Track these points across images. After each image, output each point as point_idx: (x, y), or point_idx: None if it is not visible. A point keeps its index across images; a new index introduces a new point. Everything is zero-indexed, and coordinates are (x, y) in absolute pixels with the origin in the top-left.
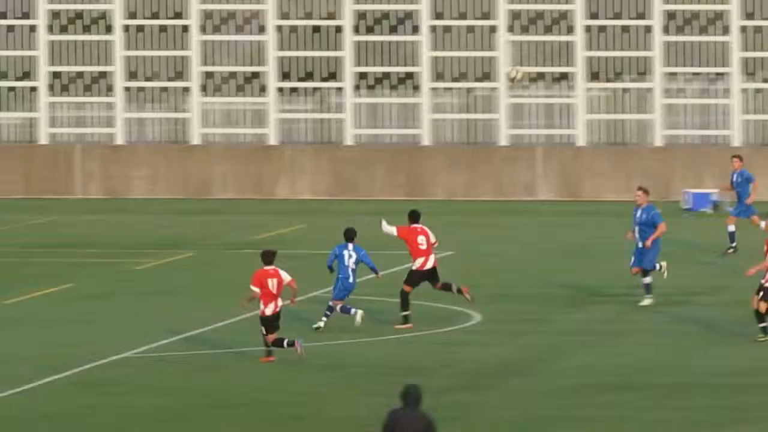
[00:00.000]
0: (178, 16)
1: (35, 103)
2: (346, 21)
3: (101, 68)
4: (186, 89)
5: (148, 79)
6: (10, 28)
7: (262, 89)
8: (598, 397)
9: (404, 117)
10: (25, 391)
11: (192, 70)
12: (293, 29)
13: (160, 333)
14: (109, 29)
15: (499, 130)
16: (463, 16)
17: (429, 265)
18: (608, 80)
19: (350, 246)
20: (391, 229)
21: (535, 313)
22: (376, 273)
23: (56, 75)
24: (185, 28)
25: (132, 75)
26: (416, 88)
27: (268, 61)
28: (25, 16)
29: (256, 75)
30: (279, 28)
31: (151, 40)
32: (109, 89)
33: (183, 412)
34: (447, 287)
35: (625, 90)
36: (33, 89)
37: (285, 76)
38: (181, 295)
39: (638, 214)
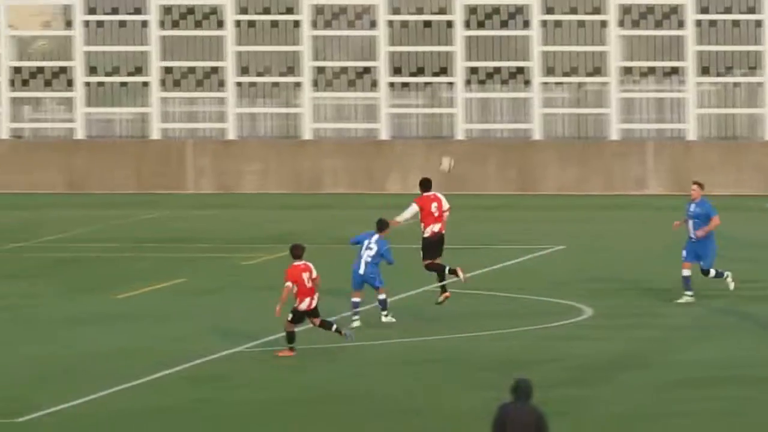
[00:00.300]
0: (289, 11)
1: (147, 99)
2: (457, 16)
3: (213, 63)
4: (297, 84)
5: (259, 75)
6: (122, 24)
7: (374, 84)
8: (708, 391)
9: (515, 112)
10: (137, 386)
11: (303, 65)
12: (404, 24)
13: (270, 328)
14: (220, 24)
15: (610, 125)
16: (574, 10)
17: (439, 230)
18: (719, 74)
19: (374, 237)
20: (407, 214)
21: (645, 307)
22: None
23: (168, 70)
24: (296, 24)
25: (243, 70)
26: (527, 82)
27: (380, 56)
28: (137, 11)
29: (367, 70)
30: (390, 23)
31: (262, 35)
32: (221, 84)
33: (294, 406)
34: (439, 268)
35: (735, 84)
36: (145, 84)
37: (396, 71)
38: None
39: (692, 207)
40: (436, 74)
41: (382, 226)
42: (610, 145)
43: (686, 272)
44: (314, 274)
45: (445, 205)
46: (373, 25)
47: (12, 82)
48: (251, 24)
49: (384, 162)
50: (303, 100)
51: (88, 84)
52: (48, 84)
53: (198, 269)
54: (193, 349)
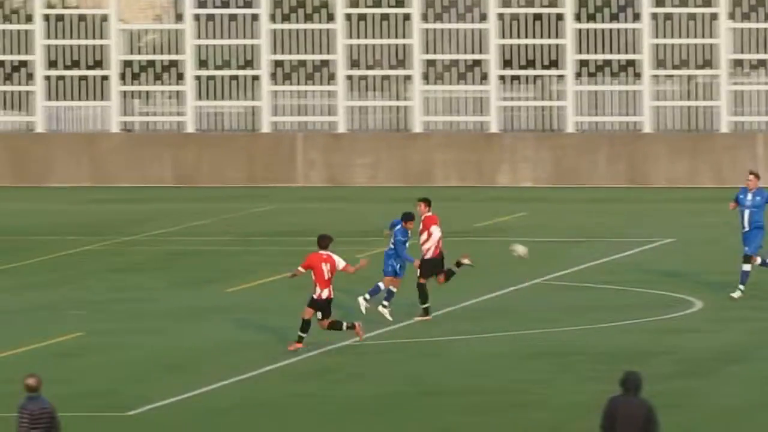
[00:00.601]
0: (399, 4)
1: (257, 92)
2: (567, 9)
3: (323, 57)
4: (408, 77)
5: (369, 68)
6: (233, 17)
7: (484, 77)
8: None
9: (625, 104)
10: (245, 380)
11: (414, 58)
12: (514, 17)
13: (378, 321)
14: (330, 18)
15: (720, 117)
16: (684, 3)
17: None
18: None
19: (398, 226)
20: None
21: (757, 299)
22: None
23: (278, 63)
24: (407, 17)
25: (354, 63)
26: (637, 75)
27: (490, 49)
28: (248, 5)
29: (477, 63)
30: (500, 16)
31: (372, 29)
32: (331, 77)
33: (401, 400)
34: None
35: None
36: (255, 78)
37: (506, 63)
38: (401, 284)
39: (749, 197)
40: (546, 67)
41: (405, 217)
42: (720, 138)
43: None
44: (340, 266)
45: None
46: (483, 17)
47: (122, 76)
48: (361, 17)
49: (494, 155)
50: (413, 93)
51: (198, 77)
52: (158, 77)
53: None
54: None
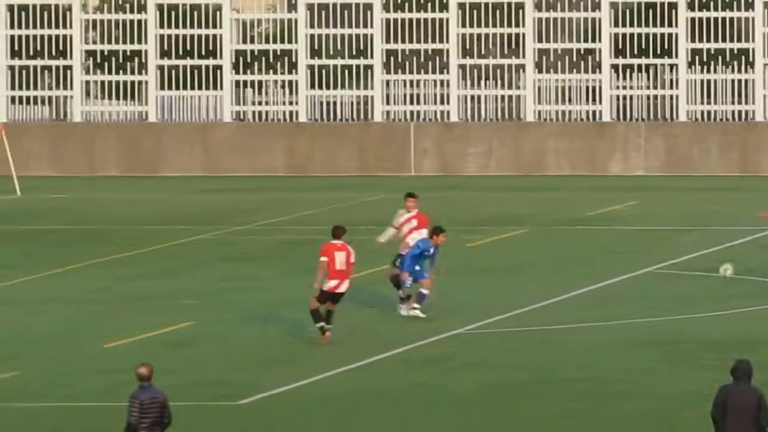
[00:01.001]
0: None
1: (370, 81)
2: None
3: (436, 46)
4: (520, 66)
5: (482, 57)
6: (346, 6)
7: (596, 66)
8: None
9: (738, 93)
10: (356, 369)
11: (526, 47)
12: (627, 5)
13: (491, 309)
14: (443, 7)
15: None
16: None
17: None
18: None
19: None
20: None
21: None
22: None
23: (391, 53)
24: (520, 5)
25: (466, 52)
26: (750, 64)
27: (603, 38)
28: None
29: (590, 51)
30: (613, 5)
31: (485, 18)
32: (444, 67)
33: (513, 389)
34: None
35: None
36: (368, 67)
37: (619, 52)
38: (514, 272)
39: None
40: (658, 56)
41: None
42: None
43: None
44: (352, 259)
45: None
46: (596, 6)
47: (235, 65)
48: (474, 6)
49: (606, 144)
50: (525, 82)
51: (310, 67)
52: (271, 67)
53: None
54: (412, 331)
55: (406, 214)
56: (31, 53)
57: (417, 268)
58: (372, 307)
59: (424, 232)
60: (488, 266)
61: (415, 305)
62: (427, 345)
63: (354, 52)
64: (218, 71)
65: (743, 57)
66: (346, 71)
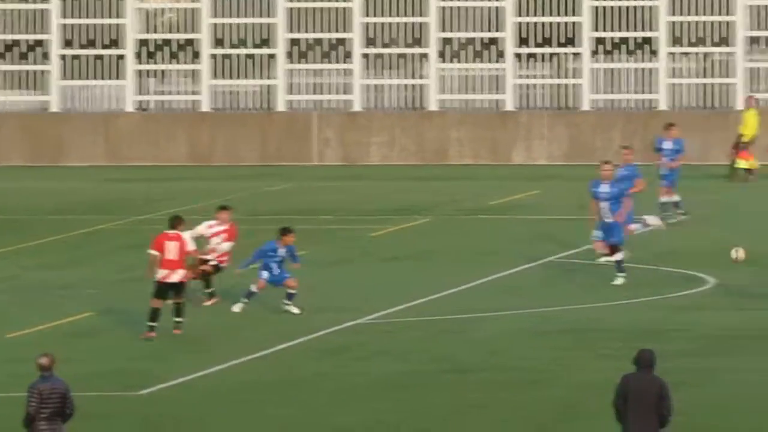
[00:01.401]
0: None
1: (273, 71)
2: None
3: (339, 35)
4: (424, 55)
5: (385, 46)
6: None
7: (500, 55)
8: None
9: (641, 82)
10: (260, 358)
11: (430, 36)
12: None
13: (396, 299)
14: None
15: (736, 94)
16: None
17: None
18: None
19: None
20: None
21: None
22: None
23: (294, 42)
24: None
25: (370, 41)
26: (653, 52)
27: (506, 27)
28: None
29: (493, 41)
30: None
31: (389, 7)
32: (347, 56)
33: (419, 378)
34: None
35: None
36: (271, 56)
37: (522, 41)
38: (418, 261)
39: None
40: (562, 45)
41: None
42: (735, 115)
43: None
44: (189, 248)
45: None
46: None
47: (138, 55)
48: None
49: (509, 133)
50: (429, 72)
51: (213, 56)
52: (174, 56)
53: (322, 241)
54: (316, 320)
55: (217, 226)
56: None
57: (276, 269)
58: None
59: (226, 246)
60: (392, 256)
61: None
62: (332, 334)
63: (257, 42)
64: (121, 61)
65: (647, 46)
66: (250, 60)
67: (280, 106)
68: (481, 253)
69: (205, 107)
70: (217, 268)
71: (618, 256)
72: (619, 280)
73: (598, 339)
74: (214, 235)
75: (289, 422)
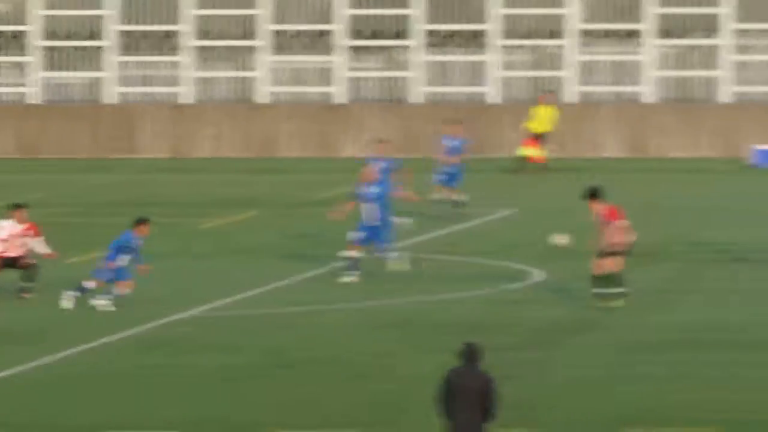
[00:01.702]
0: None
1: (103, 63)
2: None
3: (170, 27)
4: (254, 48)
5: (216, 38)
6: None
7: (331, 47)
8: (661, 355)
9: (472, 74)
10: (86, 351)
11: (261, 29)
12: None
13: (225, 292)
14: None
15: (569, 87)
16: None
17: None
18: (676, 37)
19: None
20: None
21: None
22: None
23: (125, 34)
24: None
25: (201, 34)
26: (486, 45)
27: (338, 20)
28: None
29: (325, 33)
30: None
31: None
32: (177, 48)
33: (248, 371)
34: None
35: (693, 47)
36: (101, 48)
37: (354, 34)
38: (247, 254)
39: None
40: (392, 37)
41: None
42: (568, 108)
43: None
44: (16, 230)
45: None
46: None
47: None
48: None
49: (340, 126)
50: (259, 64)
51: (44, 48)
52: (2, 48)
53: (151, 234)
54: (143, 313)
55: (15, 226)
56: None
57: (123, 263)
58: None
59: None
60: (220, 248)
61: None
62: (160, 327)
63: (88, 34)
64: None
65: (479, 39)
66: (80, 53)
67: (110, 98)
68: (311, 246)
69: (34, 99)
70: (28, 265)
71: (354, 254)
72: (348, 278)
73: (426, 333)
74: (17, 235)
75: (116, 415)
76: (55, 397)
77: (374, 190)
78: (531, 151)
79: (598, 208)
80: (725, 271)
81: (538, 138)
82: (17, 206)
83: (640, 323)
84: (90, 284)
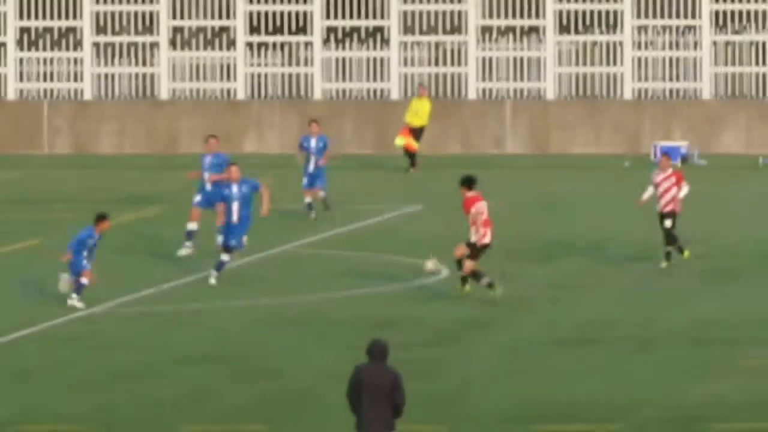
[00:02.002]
0: None
1: (3, 59)
2: None
3: (70, 23)
4: (155, 44)
5: (116, 34)
6: None
7: (231, 43)
8: (564, 351)
9: (373, 71)
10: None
11: (161, 25)
12: None
13: (125, 289)
14: None
15: (469, 84)
16: None
17: None
18: (578, 32)
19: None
20: None
21: (503, 267)
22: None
23: (25, 30)
24: None
25: (100, 29)
26: (386, 41)
27: (238, 15)
28: None
29: (225, 29)
30: None
31: None
32: (78, 44)
33: (154, 368)
34: None
35: (594, 43)
36: (1, 44)
37: (254, 30)
38: (148, 251)
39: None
40: (294, 33)
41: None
42: (468, 104)
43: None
44: None
45: None
46: None
47: None
48: None
49: (241, 122)
50: (160, 60)
51: None
52: None
53: (53, 231)
54: (49, 310)
55: None
56: None
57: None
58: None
59: None
60: (121, 245)
61: (74, 295)
62: (64, 324)
63: None
64: None
65: (378, 34)
66: None
67: (11, 95)
68: (212, 242)
69: None
70: None
71: (226, 258)
72: (213, 280)
73: (332, 330)
74: None
75: (18, 410)
76: None
77: (237, 189)
78: (405, 141)
79: (468, 195)
80: (626, 269)
81: (416, 131)
82: None
83: (541, 320)
84: (84, 280)
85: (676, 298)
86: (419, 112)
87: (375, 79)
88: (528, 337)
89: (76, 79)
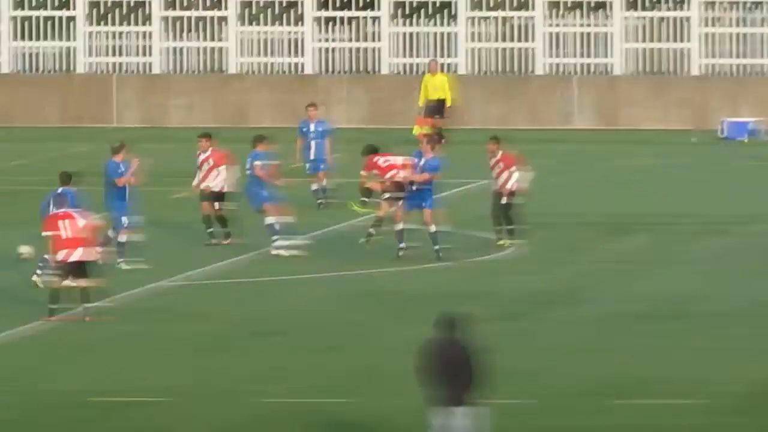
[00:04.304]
0: None
1: (73, 32)
2: None
3: None
4: (223, 18)
5: (185, 8)
6: None
7: (300, 18)
8: (638, 326)
9: (441, 46)
10: (62, 322)
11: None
12: None
13: (198, 261)
14: None
15: (536, 59)
16: None
17: None
18: (645, 8)
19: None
20: None
21: (577, 241)
22: None
23: (94, 4)
24: None
25: (169, 4)
26: (453, 17)
27: None
28: None
29: (293, 4)
30: None
31: None
32: (147, 18)
33: (222, 340)
34: None
35: (661, 19)
36: (71, 18)
37: (322, 4)
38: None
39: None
40: (362, 8)
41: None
42: (536, 80)
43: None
44: (81, 223)
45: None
46: None
47: None
48: None
49: (309, 96)
50: (229, 35)
51: (14, 18)
52: None
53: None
54: (118, 282)
55: None
56: None
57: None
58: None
59: None
60: (194, 218)
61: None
62: (135, 296)
63: (57, 3)
64: None
65: (446, 10)
66: (50, 22)
67: (80, 68)
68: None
69: (5, 69)
70: None
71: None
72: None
73: (401, 303)
74: None
75: (89, 382)
76: (37, 365)
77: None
78: (421, 129)
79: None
80: (696, 243)
81: (435, 107)
82: None
83: (616, 294)
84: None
85: (750, 274)
86: (438, 87)
87: (442, 55)
88: (601, 312)
89: (145, 54)
